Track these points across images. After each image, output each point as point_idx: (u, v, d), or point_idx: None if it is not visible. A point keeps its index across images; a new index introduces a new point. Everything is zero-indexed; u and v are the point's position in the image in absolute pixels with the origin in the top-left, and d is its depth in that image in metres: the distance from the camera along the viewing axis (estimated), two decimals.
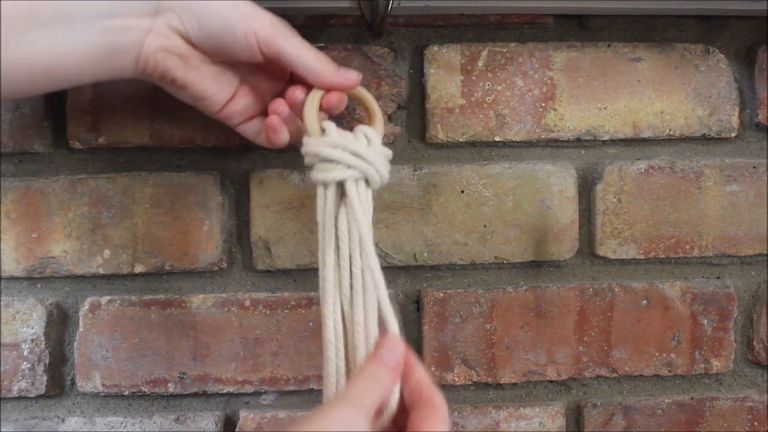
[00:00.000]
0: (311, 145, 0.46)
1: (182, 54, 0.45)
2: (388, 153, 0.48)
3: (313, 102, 0.48)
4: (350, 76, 0.48)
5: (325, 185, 0.45)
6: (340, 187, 0.45)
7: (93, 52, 0.42)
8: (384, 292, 0.43)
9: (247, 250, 0.59)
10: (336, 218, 0.45)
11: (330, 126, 0.47)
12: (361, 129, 0.47)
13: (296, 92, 0.49)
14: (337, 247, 0.45)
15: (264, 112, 0.51)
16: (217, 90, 0.48)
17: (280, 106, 0.49)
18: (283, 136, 0.50)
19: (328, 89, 0.48)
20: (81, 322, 0.58)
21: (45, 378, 0.58)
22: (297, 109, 0.49)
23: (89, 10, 0.42)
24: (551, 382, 0.61)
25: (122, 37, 0.43)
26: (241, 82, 0.49)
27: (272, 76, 0.50)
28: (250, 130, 0.51)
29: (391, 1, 0.52)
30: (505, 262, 0.60)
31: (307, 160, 0.46)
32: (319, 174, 0.45)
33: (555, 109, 0.59)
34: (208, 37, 0.44)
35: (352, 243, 0.45)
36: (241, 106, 0.50)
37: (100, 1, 0.42)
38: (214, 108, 0.49)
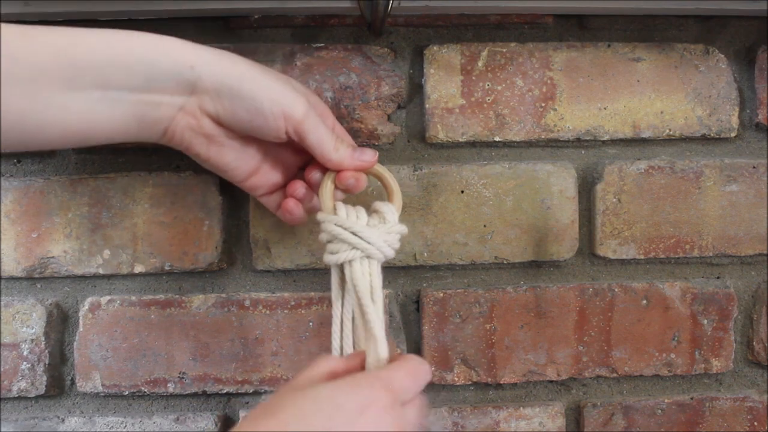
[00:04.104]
0: (321, 220, 0.48)
1: (208, 134, 0.46)
2: (402, 229, 0.49)
3: (327, 182, 0.50)
4: (365, 158, 0.49)
5: (337, 266, 0.48)
6: (348, 263, 0.47)
7: (124, 120, 0.43)
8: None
9: (247, 250, 0.59)
10: (343, 297, 0.48)
11: (339, 205, 0.48)
12: (376, 206, 0.49)
13: (313, 173, 0.50)
14: (341, 329, 0.49)
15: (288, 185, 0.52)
16: (239, 164, 0.49)
17: (297, 188, 0.51)
18: (299, 218, 0.51)
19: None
20: (81, 322, 0.58)
21: (45, 378, 0.58)
22: (315, 189, 0.51)
23: (127, 81, 0.42)
24: (551, 382, 0.61)
25: (154, 111, 0.44)
26: (265, 156, 0.50)
27: (298, 149, 0.50)
28: (272, 203, 0.53)
29: (391, 1, 0.52)
30: (505, 262, 0.60)
31: (320, 235, 0.48)
32: (329, 257, 0.47)
33: (555, 109, 0.59)
34: (238, 121, 0.45)
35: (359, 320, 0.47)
36: (265, 180, 0.51)
37: (139, 73, 0.42)
38: (237, 179, 0.50)
